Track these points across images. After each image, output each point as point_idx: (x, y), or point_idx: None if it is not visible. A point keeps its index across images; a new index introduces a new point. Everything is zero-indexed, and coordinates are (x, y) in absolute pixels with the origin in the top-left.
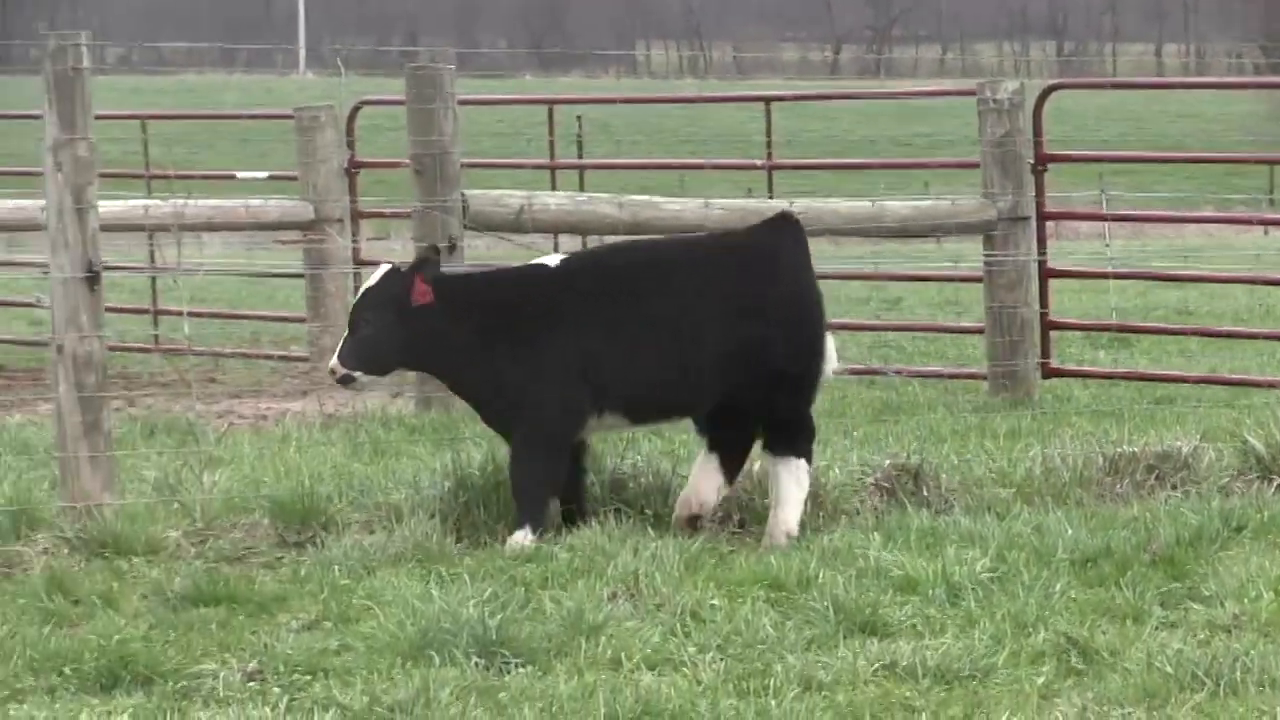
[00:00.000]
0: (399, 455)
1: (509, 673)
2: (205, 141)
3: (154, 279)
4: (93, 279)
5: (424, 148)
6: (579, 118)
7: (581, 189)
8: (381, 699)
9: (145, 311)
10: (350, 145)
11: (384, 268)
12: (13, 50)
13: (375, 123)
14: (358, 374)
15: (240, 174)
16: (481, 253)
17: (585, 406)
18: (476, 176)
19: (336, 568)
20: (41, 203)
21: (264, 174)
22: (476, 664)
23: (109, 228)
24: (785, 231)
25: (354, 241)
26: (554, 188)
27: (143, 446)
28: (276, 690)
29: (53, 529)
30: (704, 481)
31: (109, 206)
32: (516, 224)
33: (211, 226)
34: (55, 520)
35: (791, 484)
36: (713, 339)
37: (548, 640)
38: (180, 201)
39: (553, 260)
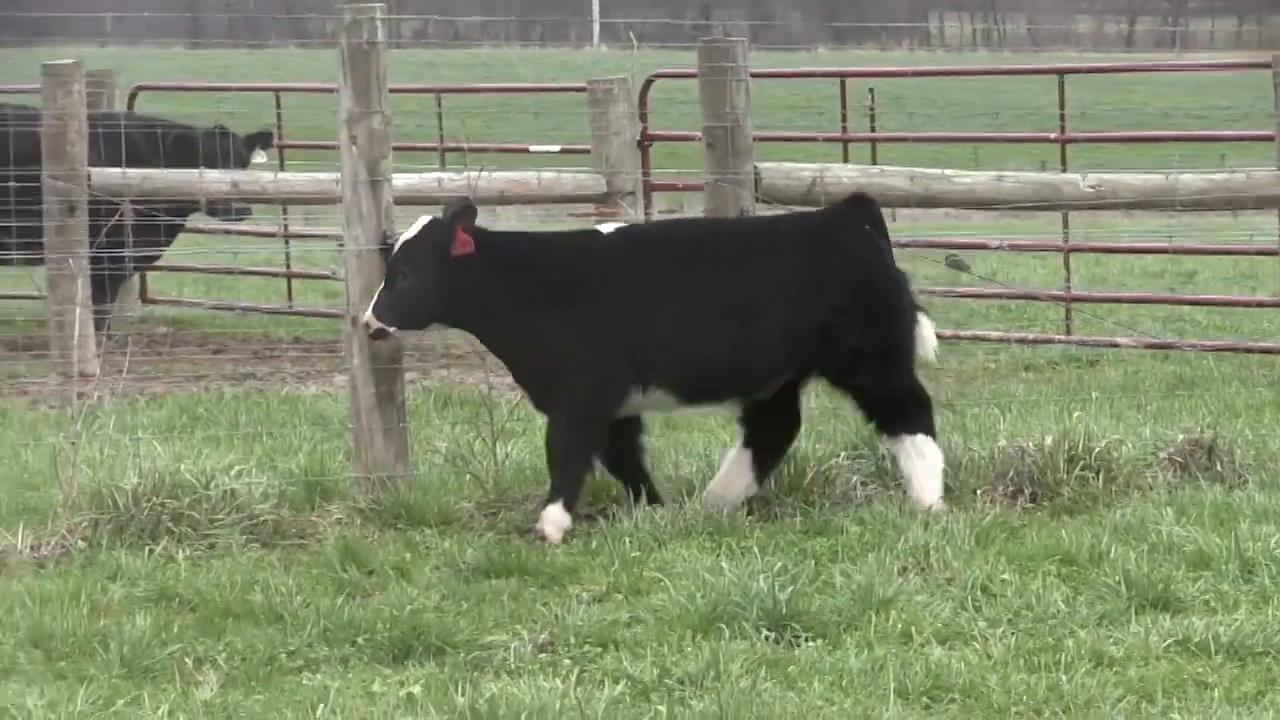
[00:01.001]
0: (691, 429)
1: (798, 646)
2: (499, 115)
3: None
4: (387, 251)
5: (716, 121)
6: (871, 91)
7: (874, 162)
8: (671, 671)
9: None
10: (643, 118)
11: (422, 219)
12: (309, 24)
13: (668, 96)
14: (393, 329)
15: (533, 147)
16: None
17: (626, 381)
18: (769, 150)
19: (627, 540)
20: (336, 176)
21: (557, 147)
22: (766, 637)
23: (403, 200)
24: (859, 213)
25: (646, 214)
26: (846, 161)
27: (436, 418)
28: (567, 662)
29: (346, 500)
30: (732, 478)
31: (403, 179)
32: (808, 197)
33: (504, 200)
34: (349, 491)
35: (913, 461)
36: (773, 319)
37: (837, 614)
38: (474, 174)
39: (608, 228)
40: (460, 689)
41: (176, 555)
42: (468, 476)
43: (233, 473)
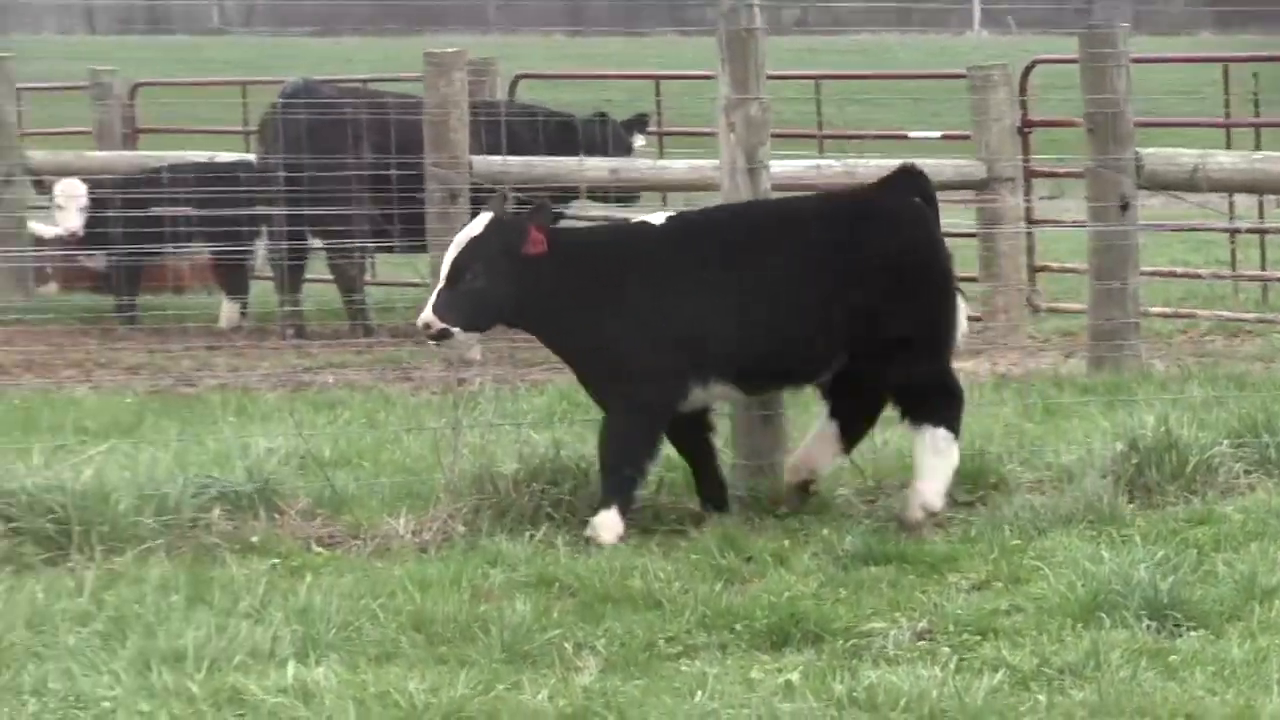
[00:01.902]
0: (1070, 416)
1: (1180, 636)
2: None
3: None
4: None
5: (1097, 106)
6: (1256, 75)
7: (1257, 148)
8: (1050, 661)
9: None
10: (1023, 104)
11: (484, 216)
12: (689, 12)
13: (1049, 81)
14: (456, 330)
15: (912, 133)
16: (1158, 211)
17: (688, 375)
18: (1151, 135)
19: (1007, 528)
20: (715, 162)
21: (936, 133)
22: (1147, 626)
23: (781, 187)
24: (908, 188)
25: (1026, 201)
26: (1228, 147)
27: (814, 406)
28: (945, 650)
29: (728, 487)
30: (819, 448)
31: (781, 166)
32: (1190, 183)
33: None
34: (728, 478)
35: (929, 455)
36: (828, 302)
37: (1219, 604)
38: (852, 161)
39: (658, 218)
40: (838, 676)
41: (556, 541)
42: (846, 463)
43: None
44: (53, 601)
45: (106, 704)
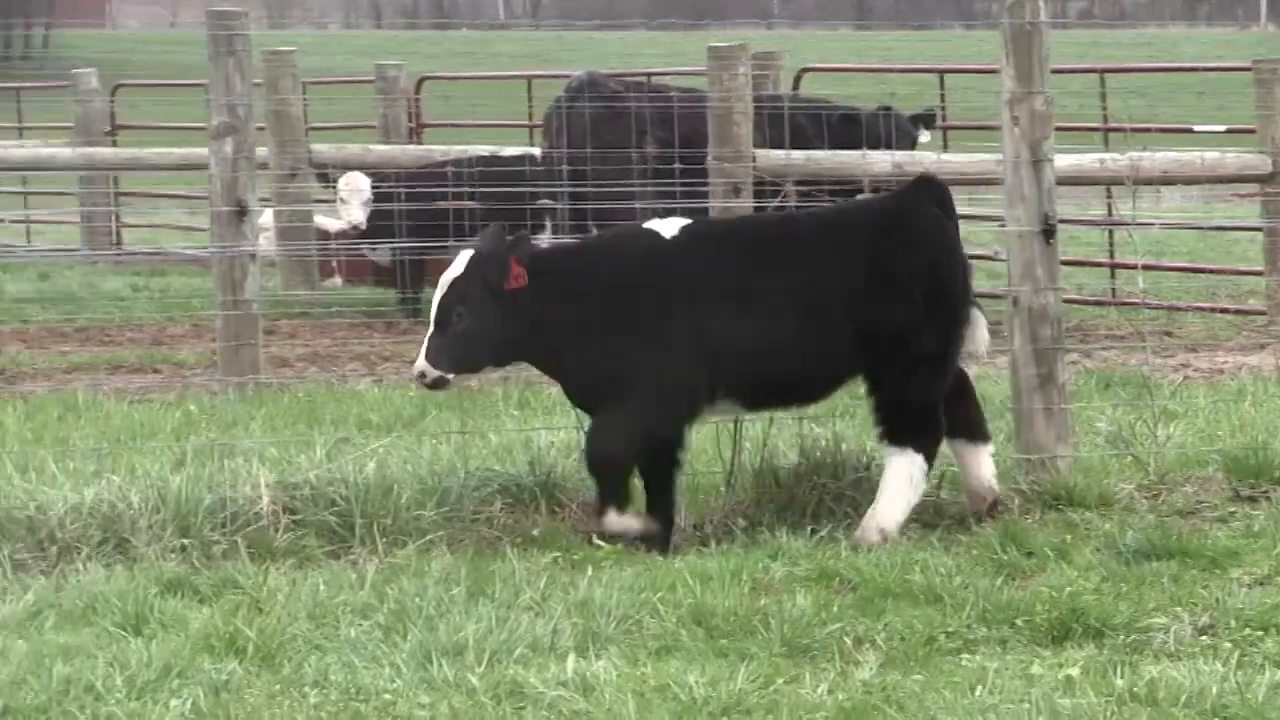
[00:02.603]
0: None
1: None
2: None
3: (1110, 232)
4: (1048, 232)
5: None
6: None
7: None
8: None
9: (1101, 265)
10: None
11: (465, 254)
12: (975, 5)
13: None
14: (451, 375)
15: (1198, 127)
16: None
17: (699, 398)
18: None
19: None
20: (998, 156)
21: (1221, 127)
22: None
23: (1065, 181)
24: (923, 197)
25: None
26: None
27: (1097, 399)
28: (1227, 645)
29: (1007, 481)
30: (976, 462)
31: (1065, 160)
32: None
33: (1167, 179)
34: (1010, 472)
35: (899, 478)
36: (839, 317)
37: None
38: (1136, 154)
39: (667, 228)
40: (1119, 672)
41: (837, 535)
42: (1128, 459)
43: None
44: (334, 594)
45: (387, 696)
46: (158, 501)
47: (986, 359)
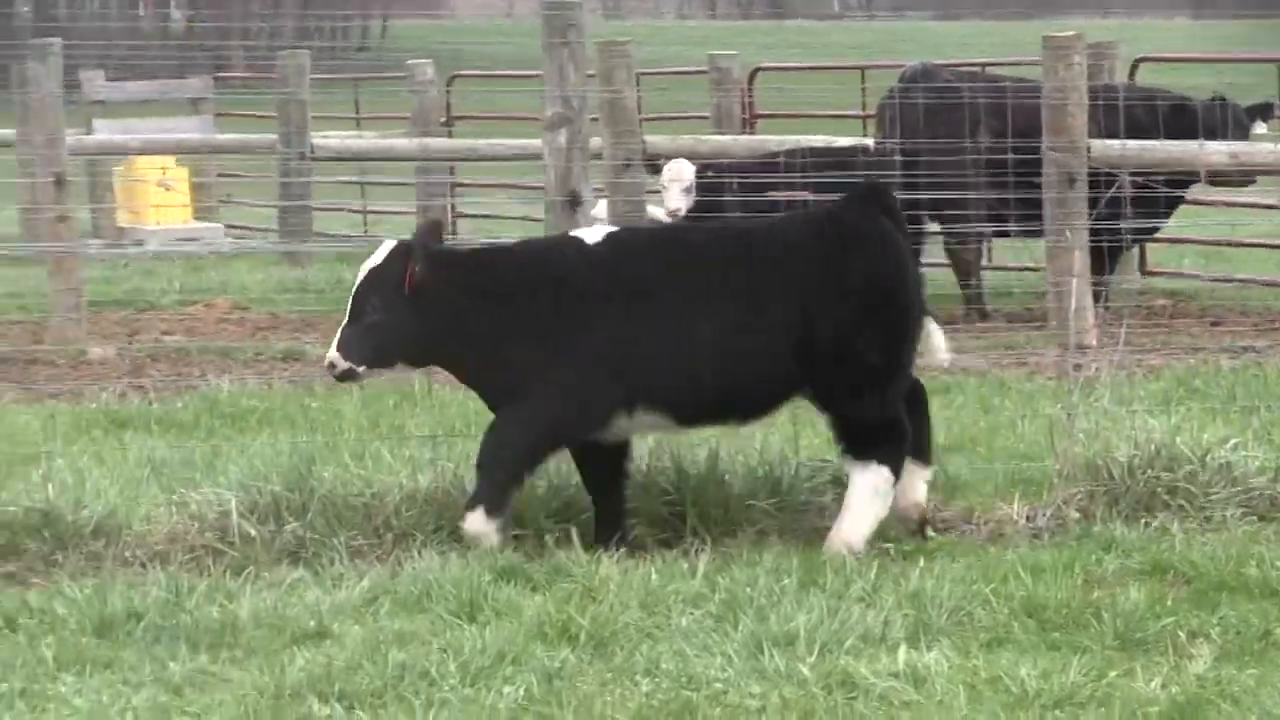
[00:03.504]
0: None
1: None
2: None
3: None
4: None
5: None
6: None
7: None
8: None
9: None
10: None
11: (387, 244)
12: None
13: None
14: (361, 368)
15: None
16: None
17: (607, 406)
18: None
19: None
20: None
21: None
22: None
23: None
24: (868, 206)
25: None
26: None
27: None
28: None
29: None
30: (909, 482)
31: None
32: None
33: None
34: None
35: (864, 491)
36: (781, 331)
37: None
38: None
39: (591, 235)
40: None
41: (1171, 527)
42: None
43: (1228, 446)
44: (666, 583)
45: (718, 685)
46: None
47: (947, 367)
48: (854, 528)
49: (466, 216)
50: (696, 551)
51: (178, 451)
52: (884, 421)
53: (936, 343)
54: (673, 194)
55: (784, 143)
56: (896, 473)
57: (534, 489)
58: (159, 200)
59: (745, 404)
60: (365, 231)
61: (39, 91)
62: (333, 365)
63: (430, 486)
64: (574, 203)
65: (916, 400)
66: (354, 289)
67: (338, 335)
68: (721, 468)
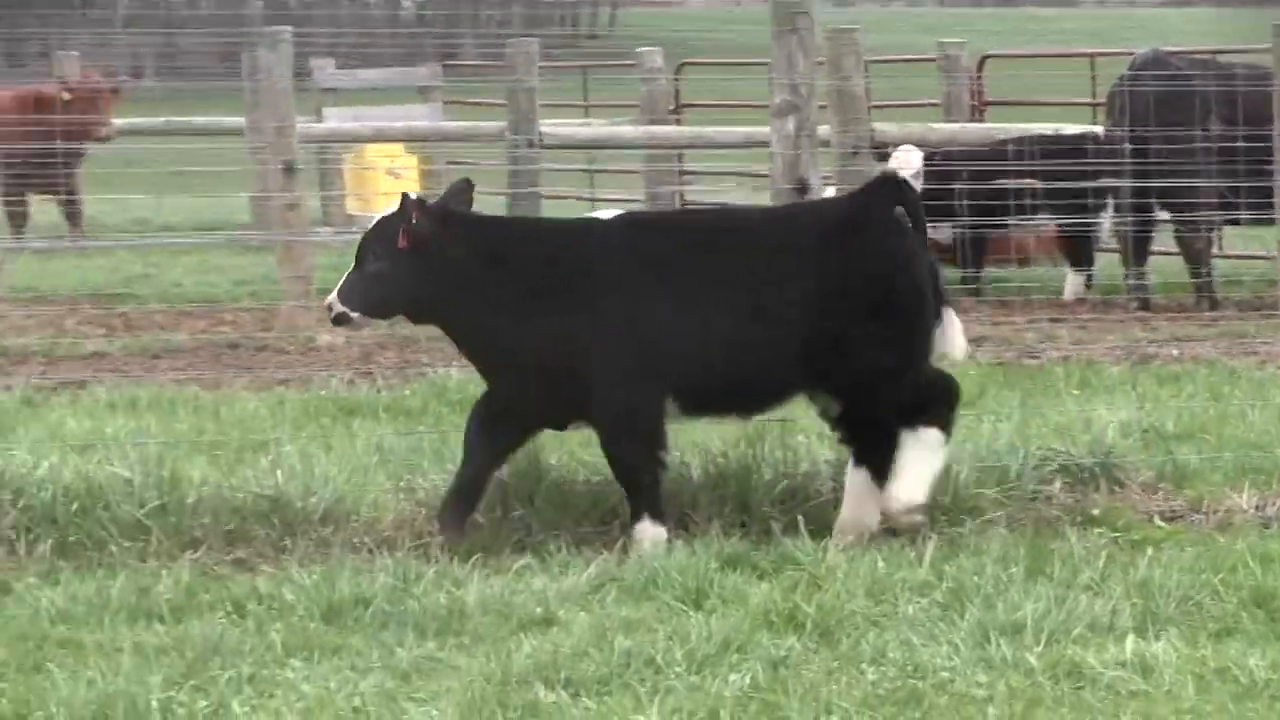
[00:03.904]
0: None
1: None
2: None
3: None
4: None
5: None
6: None
7: None
8: None
9: None
10: None
11: (405, 196)
12: None
13: None
14: (355, 315)
15: None
16: None
17: (662, 393)
18: None
19: None
20: None
21: None
22: None
23: None
24: (881, 198)
25: None
26: None
27: None
28: None
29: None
30: (861, 505)
31: None
32: None
33: None
34: None
35: (913, 449)
36: (789, 323)
37: None
38: None
39: (604, 216)
40: None
41: None
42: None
43: None
44: (893, 571)
45: (944, 674)
46: (718, 477)
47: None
48: (906, 488)
49: (694, 204)
50: (923, 539)
51: (405, 439)
52: (909, 401)
53: (953, 336)
54: None
55: (1010, 131)
56: (945, 431)
57: (761, 476)
58: (388, 188)
59: (750, 395)
60: None
61: (270, 79)
62: (329, 308)
63: None
64: (802, 190)
65: (941, 396)
66: (363, 236)
67: (342, 280)
68: (948, 456)
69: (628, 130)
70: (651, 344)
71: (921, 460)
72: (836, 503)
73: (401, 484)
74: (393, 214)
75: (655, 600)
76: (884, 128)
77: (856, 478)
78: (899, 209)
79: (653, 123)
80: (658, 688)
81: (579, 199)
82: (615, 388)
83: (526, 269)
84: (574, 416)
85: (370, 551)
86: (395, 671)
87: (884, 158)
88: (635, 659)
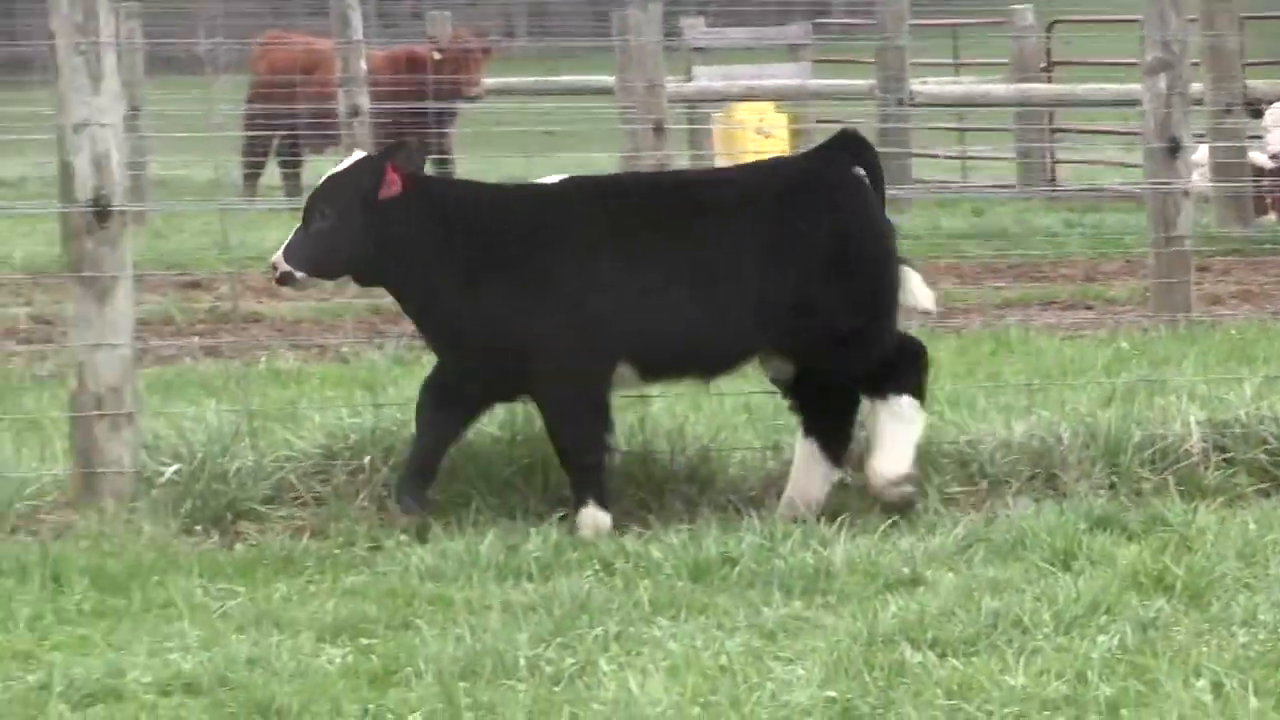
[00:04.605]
0: None
1: None
2: None
3: None
4: None
5: None
6: None
7: None
8: None
9: None
10: None
11: (356, 154)
12: None
13: None
14: (300, 274)
15: None
16: None
17: (609, 357)
18: None
19: None
20: None
21: None
22: None
23: None
24: (844, 156)
25: None
26: None
27: None
28: None
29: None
30: (808, 476)
31: None
32: None
33: None
34: None
35: (889, 422)
36: (745, 284)
37: None
38: None
39: (551, 180)
40: None
41: None
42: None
43: None
44: (1264, 533)
45: None
46: (1087, 438)
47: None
48: (889, 461)
49: (1066, 163)
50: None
51: (772, 398)
52: (877, 365)
53: (915, 289)
54: (1274, 138)
55: None
56: (916, 395)
57: (1130, 436)
58: (758, 147)
59: (708, 358)
60: (963, 177)
61: (639, 39)
62: (274, 267)
63: (1025, 434)
64: (1174, 148)
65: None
66: (310, 195)
67: (287, 239)
68: None
69: (998, 88)
70: (600, 313)
71: (900, 431)
72: (1207, 464)
73: (769, 443)
74: (341, 172)
75: (1023, 561)
76: (1257, 85)
77: (805, 448)
78: (857, 168)
79: (1023, 80)
80: (1024, 649)
81: (949, 158)
82: (558, 362)
83: (470, 232)
84: (520, 390)
85: (736, 510)
86: (761, 630)
87: (1257, 114)
88: (1002, 620)
